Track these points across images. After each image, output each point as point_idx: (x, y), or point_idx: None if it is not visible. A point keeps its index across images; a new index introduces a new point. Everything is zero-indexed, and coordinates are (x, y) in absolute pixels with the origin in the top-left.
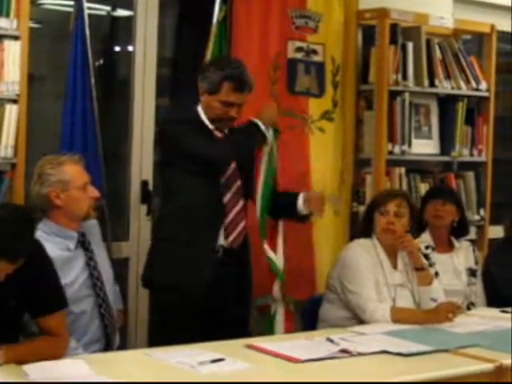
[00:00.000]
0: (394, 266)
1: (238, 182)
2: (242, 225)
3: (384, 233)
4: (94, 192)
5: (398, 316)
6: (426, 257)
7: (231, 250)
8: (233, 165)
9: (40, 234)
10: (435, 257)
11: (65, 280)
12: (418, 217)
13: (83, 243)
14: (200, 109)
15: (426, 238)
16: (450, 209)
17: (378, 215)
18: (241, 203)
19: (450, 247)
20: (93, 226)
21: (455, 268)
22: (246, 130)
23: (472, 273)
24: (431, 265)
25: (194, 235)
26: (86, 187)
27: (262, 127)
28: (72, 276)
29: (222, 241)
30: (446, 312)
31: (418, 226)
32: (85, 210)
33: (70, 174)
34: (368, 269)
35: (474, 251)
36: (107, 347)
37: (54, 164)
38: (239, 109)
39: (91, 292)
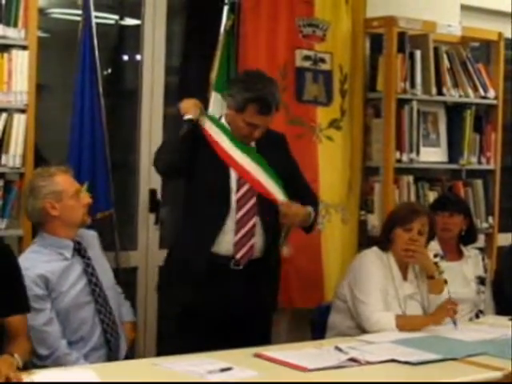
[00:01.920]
0: (405, 278)
1: (253, 200)
2: (251, 242)
3: (405, 252)
4: (86, 198)
5: (404, 323)
6: (435, 265)
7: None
8: (246, 186)
9: (36, 247)
10: (444, 265)
11: (61, 289)
12: (433, 233)
13: (79, 251)
14: (223, 120)
15: (434, 246)
16: (457, 220)
17: (400, 231)
18: (253, 221)
19: (459, 255)
20: (91, 237)
21: (464, 276)
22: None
23: (481, 281)
24: (440, 273)
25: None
26: (78, 195)
27: (183, 115)
28: (68, 284)
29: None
30: (449, 307)
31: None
32: (80, 216)
33: (62, 183)
34: (379, 279)
35: (483, 259)
36: (109, 354)
37: (45, 176)
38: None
39: (91, 298)
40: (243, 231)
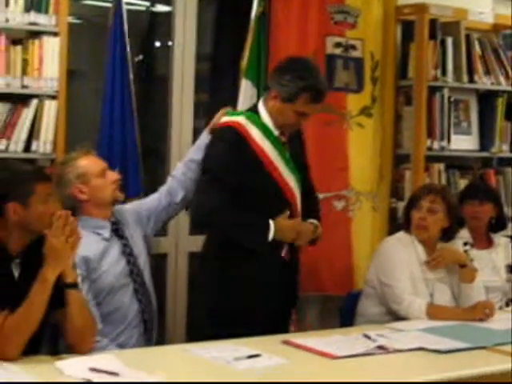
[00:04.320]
0: None
1: None
2: None
3: (416, 229)
4: (113, 175)
5: (434, 312)
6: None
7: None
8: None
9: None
10: (474, 253)
11: (102, 268)
12: (456, 214)
13: (117, 231)
14: (263, 110)
15: (464, 234)
16: (487, 208)
17: (413, 210)
18: None
19: (489, 243)
20: (128, 214)
21: (494, 264)
22: (256, 226)
23: (511, 269)
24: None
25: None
26: (105, 173)
27: (269, 237)
28: (109, 263)
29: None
30: (483, 309)
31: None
32: (110, 194)
33: (85, 165)
34: (403, 263)
35: None
36: (145, 333)
37: (68, 163)
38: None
39: (129, 280)
40: None
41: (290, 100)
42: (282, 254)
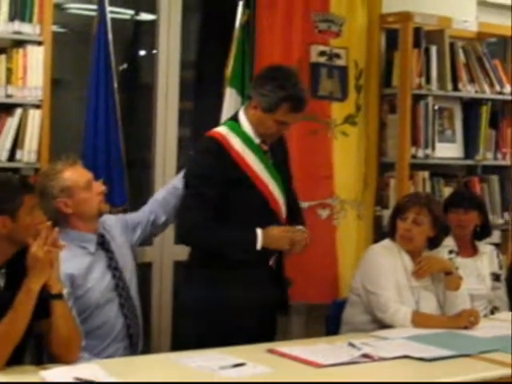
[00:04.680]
0: None
1: None
2: None
3: (401, 240)
4: (99, 187)
5: (419, 320)
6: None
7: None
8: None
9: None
10: (459, 261)
11: (88, 284)
12: (441, 224)
13: (103, 244)
14: (244, 119)
15: (449, 242)
16: (472, 216)
17: (398, 220)
18: None
19: (473, 251)
20: (114, 221)
21: (479, 272)
22: (241, 239)
23: (496, 277)
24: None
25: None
26: (90, 185)
27: (258, 245)
28: (94, 279)
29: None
30: (469, 317)
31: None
32: (95, 207)
33: (70, 178)
34: (389, 271)
35: (498, 255)
36: (131, 347)
37: (52, 175)
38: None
39: (114, 294)
40: None
41: (271, 110)
42: (270, 263)
